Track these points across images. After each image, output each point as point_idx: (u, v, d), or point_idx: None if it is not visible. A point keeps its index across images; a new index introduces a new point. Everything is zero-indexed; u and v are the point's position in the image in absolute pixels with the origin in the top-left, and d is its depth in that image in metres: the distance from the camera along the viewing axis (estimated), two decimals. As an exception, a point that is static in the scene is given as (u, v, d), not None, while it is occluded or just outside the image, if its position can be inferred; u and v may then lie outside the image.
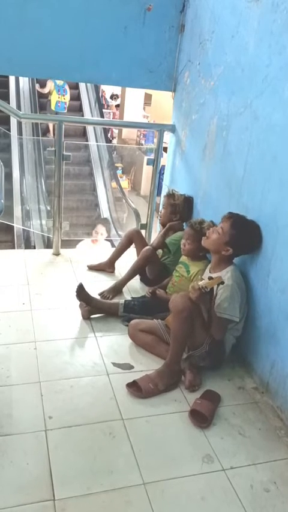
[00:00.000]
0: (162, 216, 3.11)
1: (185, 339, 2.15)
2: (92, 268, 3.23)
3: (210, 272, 2.35)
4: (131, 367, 2.29)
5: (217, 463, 1.80)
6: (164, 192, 3.42)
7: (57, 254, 3.44)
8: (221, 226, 2.27)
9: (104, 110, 12.01)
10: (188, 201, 3.02)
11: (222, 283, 2.11)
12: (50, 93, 9.36)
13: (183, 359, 2.22)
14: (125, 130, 13.40)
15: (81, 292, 2.64)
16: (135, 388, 2.08)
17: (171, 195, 3.06)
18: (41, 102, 9.77)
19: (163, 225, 3.09)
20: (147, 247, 2.98)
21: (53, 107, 9.37)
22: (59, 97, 9.33)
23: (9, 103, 7.75)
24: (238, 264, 2.33)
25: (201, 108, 2.91)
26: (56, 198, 3.36)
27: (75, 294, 2.65)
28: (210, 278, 2.12)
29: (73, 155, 3.33)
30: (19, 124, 8.64)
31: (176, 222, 3.01)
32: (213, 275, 2.24)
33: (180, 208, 3.00)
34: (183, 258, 2.75)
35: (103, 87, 13.61)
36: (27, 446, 1.77)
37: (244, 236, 2.22)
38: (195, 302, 2.08)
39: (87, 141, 9.54)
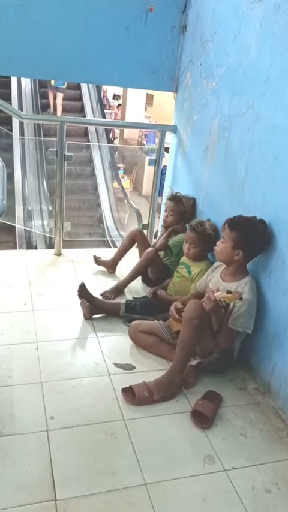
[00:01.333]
0: (168, 221, 3.02)
1: (193, 347, 2.12)
2: (97, 260, 3.23)
3: (223, 280, 2.27)
4: (133, 367, 2.29)
5: (218, 463, 1.80)
6: (166, 192, 3.41)
7: (58, 254, 3.44)
8: (222, 235, 2.21)
9: (105, 111, 12.04)
10: (194, 204, 3.00)
11: (241, 298, 2.07)
12: None
13: (192, 365, 2.20)
14: (126, 131, 13.44)
15: (83, 291, 2.64)
16: (130, 394, 2.05)
17: (179, 201, 2.98)
18: (42, 103, 9.79)
19: (167, 228, 3.06)
20: (149, 249, 2.97)
21: (52, 82, 9.73)
22: None
23: (11, 103, 7.78)
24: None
25: (203, 109, 2.91)
26: (57, 198, 3.36)
27: (77, 293, 2.65)
28: (228, 292, 2.02)
29: (75, 155, 3.33)
30: (21, 124, 8.66)
31: (180, 225, 3.00)
32: (229, 285, 2.18)
33: (189, 215, 2.96)
34: (184, 259, 2.75)
35: (105, 87, 13.64)
36: (29, 447, 1.77)
37: (246, 233, 2.13)
38: (207, 311, 2.04)
39: (88, 141, 9.56)
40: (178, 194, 3.06)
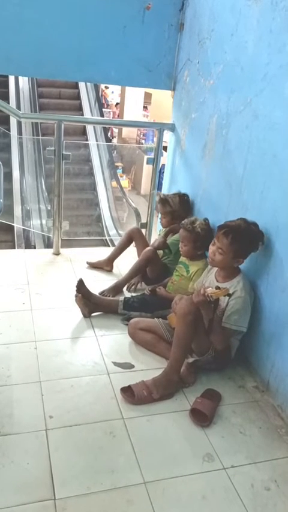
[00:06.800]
0: (163, 223, 3.07)
1: (188, 344, 2.12)
2: (91, 265, 3.24)
3: (217, 280, 2.28)
4: (132, 366, 2.29)
5: (218, 461, 1.80)
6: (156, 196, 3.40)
7: (57, 254, 3.44)
8: (219, 246, 2.16)
9: (103, 109, 12.01)
10: (183, 201, 3.00)
11: (229, 295, 2.07)
12: None
13: (189, 363, 2.20)
14: (125, 130, 13.43)
15: (81, 287, 2.64)
16: (129, 394, 2.05)
17: (166, 202, 2.98)
18: (40, 102, 9.78)
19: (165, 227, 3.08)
20: (148, 248, 2.98)
21: None
22: None
23: (8, 103, 7.74)
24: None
25: (200, 107, 2.90)
26: (55, 197, 3.36)
27: (76, 289, 2.64)
28: (217, 288, 2.04)
29: (73, 154, 3.33)
30: (19, 124, 8.65)
31: (176, 223, 3.00)
32: (222, 285, 2.18)
33: (180, 213, 2.96)
34: (183, 258, 2.74)
35: (103, 86, 13.62)
36: (28, 446, 1.77)
37: (246, 243, 2.14)
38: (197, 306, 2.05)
39: (86, 139, 9.54)
40: (163, 195, 3.05)
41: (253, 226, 2.15)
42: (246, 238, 2.13)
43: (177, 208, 2.97)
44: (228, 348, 2.23)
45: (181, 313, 2.07)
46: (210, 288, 2.04)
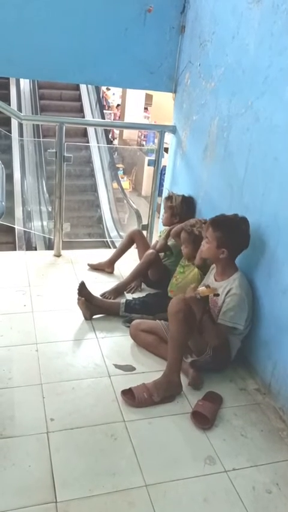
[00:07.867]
0: (164, 219, 3.11)
1: (184, 342, 2.12)
2: (92, 267, 3.24)
3: (215, 279, 2.30)
4: (133, 368, 2.29)
5: (219, 464, 1.80)
6: (164, 194, 3.44)
7: (58, 255, 3.44)
8: (206, 235, 2.25)
9: (104, 111, 12.01)
10: (187, 202, 3.02)
11: (217, 295, 2.11)
12: None
13: (188, 362, 2.20)
14: (126, 131, 13.44)
15: (82, 290, 2.65)
16: (130, 396, 2.05)
17: (169, 198, 3.06)
18: (41, 104, 9.79)
19: (166, 226, 3.09)
20: (150, 251, 2.98)
21: None
22: None
23: (10, 105, 7.77)
24: (239, 266, 2.31)
25: (201, 109, 2.91)
26: (57, 199, 3.36)
27: (77, 291, 2.65)
28: (207, 286, 2.08)
29: (74, 156, 3.33)
30: (20, 126, 8.65)
31: (176, 224, 3.00)
32: (219, 284, 2.23)
33: (178, 210, 2.99)
34: (183, 261, 2.75)
35: (104, 88, 13.65)
36: (29, 449, 1.77)
37: (229, 232, 2.19)
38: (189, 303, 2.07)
39: (88, 141, 9.54)
40: (171, 192, 3.13)
41: (238, 218, 2.21)
42: (227, 226, 2.20)
43: (177, 206, 3.01)
44: (227, 348, 2.23)
45: (172, 311, 2.09)
46: (204, 288, 2.06)
